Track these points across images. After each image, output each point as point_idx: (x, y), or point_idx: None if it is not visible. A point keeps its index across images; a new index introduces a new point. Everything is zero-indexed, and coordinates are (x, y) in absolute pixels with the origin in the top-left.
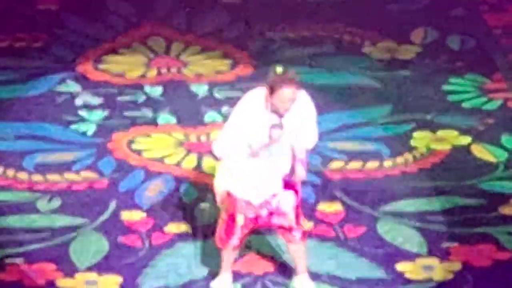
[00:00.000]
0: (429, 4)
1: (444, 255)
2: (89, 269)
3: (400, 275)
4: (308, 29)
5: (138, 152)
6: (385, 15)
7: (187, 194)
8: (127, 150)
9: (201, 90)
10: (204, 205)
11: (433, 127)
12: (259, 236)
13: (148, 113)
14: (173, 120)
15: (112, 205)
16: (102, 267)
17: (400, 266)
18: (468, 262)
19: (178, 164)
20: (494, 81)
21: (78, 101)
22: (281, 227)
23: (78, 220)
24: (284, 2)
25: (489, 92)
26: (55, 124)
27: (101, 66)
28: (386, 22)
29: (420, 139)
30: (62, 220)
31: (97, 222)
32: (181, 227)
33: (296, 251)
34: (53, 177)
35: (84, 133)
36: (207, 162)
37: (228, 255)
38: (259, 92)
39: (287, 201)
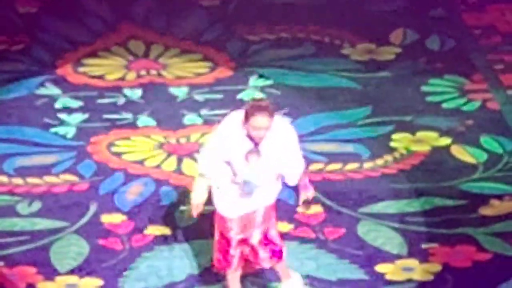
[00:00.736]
0: (408, 5)
1: (424, 256)
2: (70, 272)
3: (380, 276)
4: (287, 31)
5: (118, 155)
6: (364, 17)
7: (167, 196)
8: (107, 153)
9: (180, 92)
10: (184, 208)
11: (412, 129)
12: None
13: (127, 115)
14: (152, 122)
15: (92, 208)
16: (82, 270)
17: (380, 267)
18: (448, 263)
19: (158, 166)
20: (473, 81)
21: (58, 104)
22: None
23: (58, 223)
24: (263, 4)
25: (468, 92)
26: (35, 127)
27: (81, 69)
28: (365, 24)
29: (400, 140)
30: (43, 223)
31: (78, 225)
32: (161, 230)
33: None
34: (33, 180)
35: (64, 136)
36: (187, 165)
37: (232, 277)
38: (240, 115)
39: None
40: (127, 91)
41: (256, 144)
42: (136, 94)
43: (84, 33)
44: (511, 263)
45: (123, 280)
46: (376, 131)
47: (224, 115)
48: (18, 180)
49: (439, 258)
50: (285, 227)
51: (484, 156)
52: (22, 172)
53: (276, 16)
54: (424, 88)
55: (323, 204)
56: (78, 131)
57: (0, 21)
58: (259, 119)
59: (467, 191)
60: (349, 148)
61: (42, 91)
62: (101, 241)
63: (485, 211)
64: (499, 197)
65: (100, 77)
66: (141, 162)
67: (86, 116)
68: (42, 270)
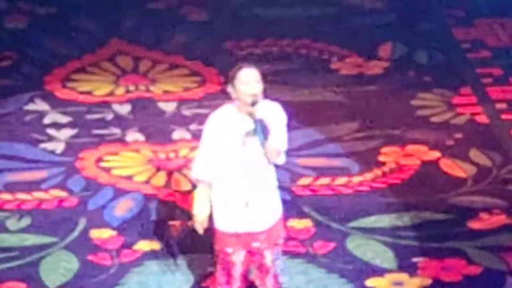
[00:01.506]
0: (396, 19)
1: (414, 270)
2: (59, 287)
3: None
4: (275, 45)
5: (107, 170)
6: (352, 31)
7: (156, 211)
8: (96, 168)
9: (169, 107)
10: (173, 223)
11: (401, 143)
12: None
13: (116, 131)
14: (141, 137)
15: (82, 223)
16: (72, 285)
17: (370, 282)
18: (438, 277)
19: (147, 181)
20: (462, 95)
21: (47, 120)
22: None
23: (47, 239)
24: (251, 19)
25: (457, 106)
26: (23, 143)
27: (69, 85)
28: (353, 38)
29: (389, 154)
30: (32, 239)
31: (67, 240)
32: (151, 245)
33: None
34: (22, 196)
35: (52, 152)
36: (176, 180)
37: None
38: (225, 108)
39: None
40: (115, 107)
41: (253, 103)
42: (124, 109)
43: (72, 48)
44: (501, 277)
45: None
46: (365, 145)
47: None
48: (7, 196)
49: (429, 272)
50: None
51: (473, 170)
52: (11, 187)
53: (264, 30)
54: (413, 102)
55: (313, 219)
56: (67, 146)
57: None
58: (247, 71)
59: (456, 205)
60: (338, 162)
61: (30, 106)
62: (90, 257)
63: (474, 224)
64: (489, 210)
65: (89, 92)
66: (130, 178)
67: (75, 131)
68: (32, 286)
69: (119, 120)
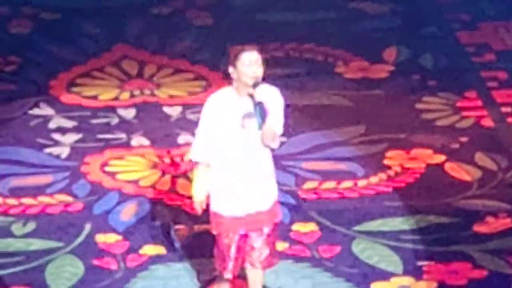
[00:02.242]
0: (401, 23)
1: (420, 274)
2: None
3: None
4: (280, 50)
5: (112, 175)
6: (357, 35)
7: (162, 216)
8: (101, 172)
9: (174, 112)
10: (178, 227)
11: (407, 146)
12: None
13: (121, 135)
14: (146, 142)
15: (87, 228)
16: None
17: (376, 286)
18: (443, 281)
19: (152, 186)
20: (467, 99)
21: (52, 125)
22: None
23: (53, 244)
24: (256, 23)
25: (462, 110)
26: (28, 148)
27: (74, 89)
28: (358, 42)
29: (394, 158)
30: (37, 244)
31: (72, 245)
32: (156, 249)
33: (254, 278)
34: (27, 200)
35: (58, 156)
36: (181, 184)
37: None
38: (224, 90)
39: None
40: (120, 111)
41: (255, 85)
42: (129, 113)
43: (77, 53)
44: (506, 280)
45: None
46: (370, 149)
47: None
48: (12, 201)
49: (435, 275)
50: (280, 245)
51: (479, 173)
52: (17, 192)
53: (269, 34)
54: (418, 106)
55: (318, 223)
56: (72, 151)
57: None
58: (250, 54)
59: (462, 208)
60: (343, 166)
61: (35, 111)
62: (96, 261)
63: (480, 228)
64: (494, 214)
65: (94, 97)
66: (135, 182)
67: (80, 136)
68: None
69: (124, 124)
